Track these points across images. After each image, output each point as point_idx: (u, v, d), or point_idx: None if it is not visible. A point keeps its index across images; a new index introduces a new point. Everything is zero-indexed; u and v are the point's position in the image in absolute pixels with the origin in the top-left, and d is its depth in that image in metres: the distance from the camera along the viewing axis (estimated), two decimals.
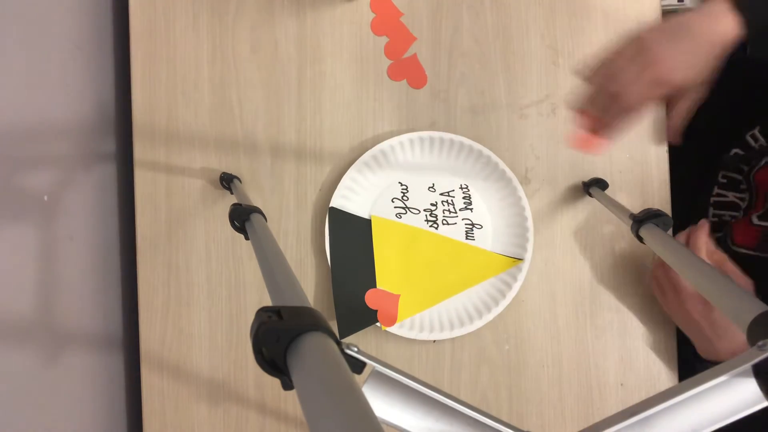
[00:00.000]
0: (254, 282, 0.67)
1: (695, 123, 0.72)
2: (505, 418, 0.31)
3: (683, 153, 0.68)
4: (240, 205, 0.46)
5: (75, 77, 0.62)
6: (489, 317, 0.64)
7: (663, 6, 0.67)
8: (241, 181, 0.66)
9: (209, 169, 0.67)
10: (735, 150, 0.69)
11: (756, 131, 0.66)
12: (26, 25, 0.54)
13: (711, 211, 0.71)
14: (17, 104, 0.52)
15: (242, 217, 0.46)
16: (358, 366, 0.28)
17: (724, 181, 0.69)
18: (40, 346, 0.55)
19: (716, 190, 0.70)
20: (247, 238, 0.44)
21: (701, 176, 0.71)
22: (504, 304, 0.64)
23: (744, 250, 0.64)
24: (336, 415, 0.19)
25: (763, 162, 0.63)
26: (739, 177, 0.67)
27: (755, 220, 0.62)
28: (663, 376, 0.66)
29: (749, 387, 0.28)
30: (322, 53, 0.67)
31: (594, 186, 0.63)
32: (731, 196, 0.68)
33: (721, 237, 0.65)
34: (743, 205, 0.66)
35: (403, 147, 0.65)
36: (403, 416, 0.32)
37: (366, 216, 0.66)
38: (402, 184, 0.66)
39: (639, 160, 0.67)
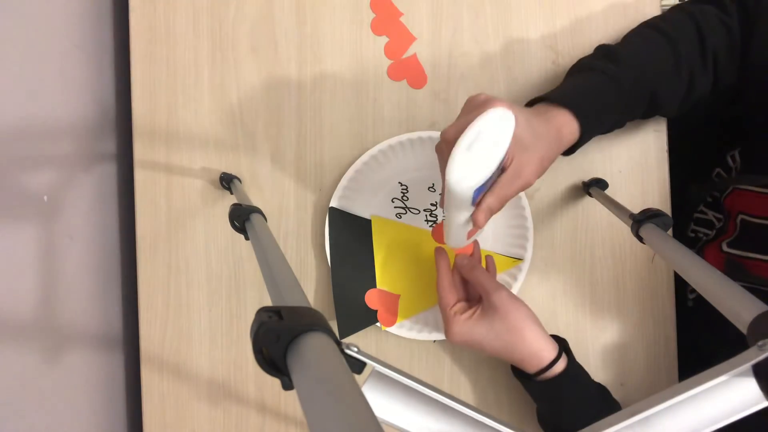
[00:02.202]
0: (254, 282, 0.67)
1: (695, 133, 0.71)
2: (505, 418, 0.31)
3: (683, 160, 0.68)
4: (240, 205, 0.46)
5: (75, 77, 0.62)
6: None
7: (662, 6, 0.67)
8: (241, 181, 0.66)
9: (209, 169, 0.67)
10: (717, 169, 0.68)
11: (736, 153, 0.65)
12: (26, 25, 0.54)
13: (691, 226, 0.71)
14: (17, 104, 0.52)
15: (242, 217, 0.46)
16: (358, 366, 0.28)
17: (710, 200, 0.68)
18: (39, 346, 0.55)
19: (701, 207, 0.70)
20: (247, 238, 0.44)
21: (692, 192, 0.70)
22: None
23: None
24: (336, 415, 0.19)
25: (730, 188, 0.63)
26: (719, 195, 0.67)
27: (724, 247, 0.62)
28: (663, 376, 0.66)
29: (749, 387, 0.28)
30: (322, 53, 0.67)
31: (594, 186, 0.63)
32: (710, 215, 0.68)
33: None
34: (718, 225, 0.66)
35: (403, 147, 0.65)
36: (402, 416, 0.32)
37: (366, 216, 0.66)
38: (402, 184, 0.66)
39: (639, 160, 0.67)
